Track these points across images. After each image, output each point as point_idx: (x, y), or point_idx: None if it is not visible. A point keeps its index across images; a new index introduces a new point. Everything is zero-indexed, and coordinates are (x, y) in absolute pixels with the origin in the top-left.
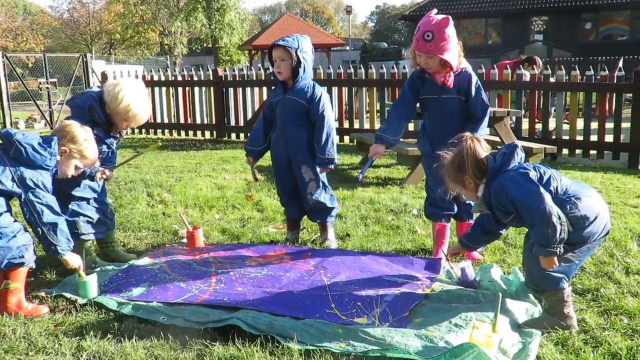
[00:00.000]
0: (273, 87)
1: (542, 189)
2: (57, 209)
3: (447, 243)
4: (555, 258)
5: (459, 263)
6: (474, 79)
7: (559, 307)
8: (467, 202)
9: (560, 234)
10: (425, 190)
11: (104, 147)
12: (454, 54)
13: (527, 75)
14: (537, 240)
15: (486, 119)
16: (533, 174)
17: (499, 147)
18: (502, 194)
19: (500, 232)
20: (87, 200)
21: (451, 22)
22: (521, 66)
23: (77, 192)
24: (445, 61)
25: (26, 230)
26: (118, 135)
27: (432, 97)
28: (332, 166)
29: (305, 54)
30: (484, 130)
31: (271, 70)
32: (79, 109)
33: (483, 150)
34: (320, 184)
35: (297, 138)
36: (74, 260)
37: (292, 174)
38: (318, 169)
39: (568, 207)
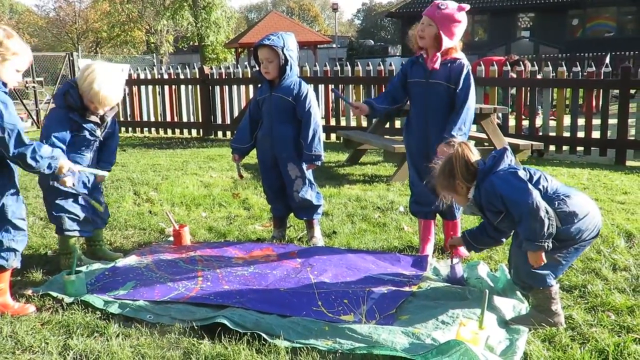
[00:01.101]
0: (259, 85)
1: (529, 185)
2: (23, 137)
3: (433, 240)
4: (543, 254)
5: (448, 260)
6: (466, 69)
7: (546, 304)
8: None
9: (548, 228)
10: (409, 186)
11: (86, 134)
12: (451, 41)
13: (513, 74)
14: (525, 235)
15: (466, 112)
16: (522, 173)
17: (485, 143)
18: (492, 192)
19: (501, 239)
20: (75, 197)
21: (465, 13)
22: (508, 64)
23: (65, 189)
24: (440, 37)
25: (25, 234)
26: (99, 122)
27: (419, 80)
28: (319, 163)
29: (292, 52)
30: (465, 126)
31: (257, 68)
32: (57, 96)
33: (473, 155)
34: (307, 182)
35: (283, 135)
36: (66, 164)
37: (279, 171)
38: (305, 166)
39: (557, 203)
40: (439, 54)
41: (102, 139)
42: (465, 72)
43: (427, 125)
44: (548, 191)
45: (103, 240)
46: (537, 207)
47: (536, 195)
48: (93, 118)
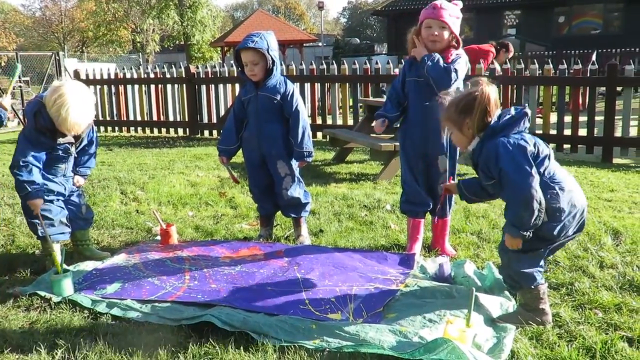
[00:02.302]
0: (244, 85)
1: (533, 171)
2: None
3: (422, 239)
4: (521, 241)
5: (436, 258)
6: (467, 60)
7: (534, 303)
8: (443, 197)
9: (536, 219)
10: (401, 185)
11: (59, 153)
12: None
13: (498, 68)
14: (511, 220)
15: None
16: (530, 150)
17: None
18: (492, 158)
19: (494, 197)
20: (49, 201)
21: None
22: (494, 49)
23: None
24: (455, 36)
25: None
26: (73, 141)
27: (417, 79)
28: (310, 159)
29: (275, 52)
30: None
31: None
32: (28, 115)
33: (494, 103)
34: (296, 179)
35: (272, 134)
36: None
37: (267, 170)
38: (296, 164)
39: (549, 195)
40: (455, 51)
41: (77, 154)
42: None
43: (427, 125)
44: (545, 174)
45: (90, 240)
46: (532, 196)
47: (535, 183)
48: (66, 139)
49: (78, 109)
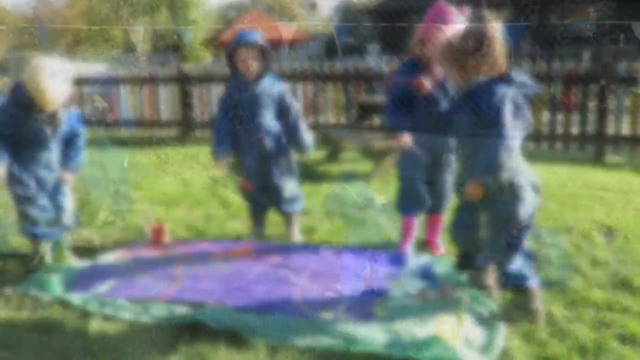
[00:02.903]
0: (231, 85)
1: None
2: None
3: (414, 237)
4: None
5: (429, 257)
6: None
7: (527, 304)
8: (440, 195)
9: (506, 174)
10: (400, 183)
11: (36, 131)
12: None
13: None
14: (487, 165)
15: None
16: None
17: None
18: (502, 99)
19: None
20: (35, 200)
21: None
22: None
23: (21, 191)
24: None
25: None
26: (50, 119)
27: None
28: (311, 150)
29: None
30: None
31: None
32: (7, 92)
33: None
34: (294, 174)
35: (273, 130)
36: None
37: (263, 168)
38: (296, 156)
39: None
40: None
41: (61, 138)
42: None
43: None
44: None
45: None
46: (514, 147)
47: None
48: (41, 115)
49: (54, 81)
